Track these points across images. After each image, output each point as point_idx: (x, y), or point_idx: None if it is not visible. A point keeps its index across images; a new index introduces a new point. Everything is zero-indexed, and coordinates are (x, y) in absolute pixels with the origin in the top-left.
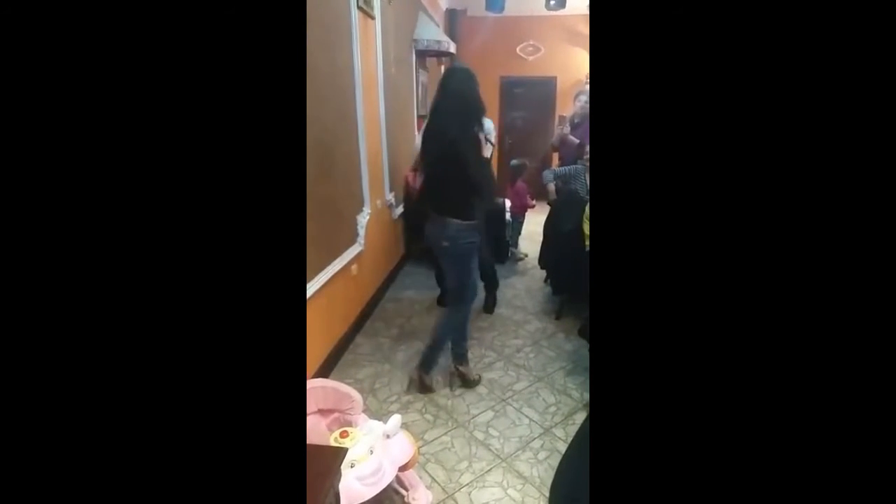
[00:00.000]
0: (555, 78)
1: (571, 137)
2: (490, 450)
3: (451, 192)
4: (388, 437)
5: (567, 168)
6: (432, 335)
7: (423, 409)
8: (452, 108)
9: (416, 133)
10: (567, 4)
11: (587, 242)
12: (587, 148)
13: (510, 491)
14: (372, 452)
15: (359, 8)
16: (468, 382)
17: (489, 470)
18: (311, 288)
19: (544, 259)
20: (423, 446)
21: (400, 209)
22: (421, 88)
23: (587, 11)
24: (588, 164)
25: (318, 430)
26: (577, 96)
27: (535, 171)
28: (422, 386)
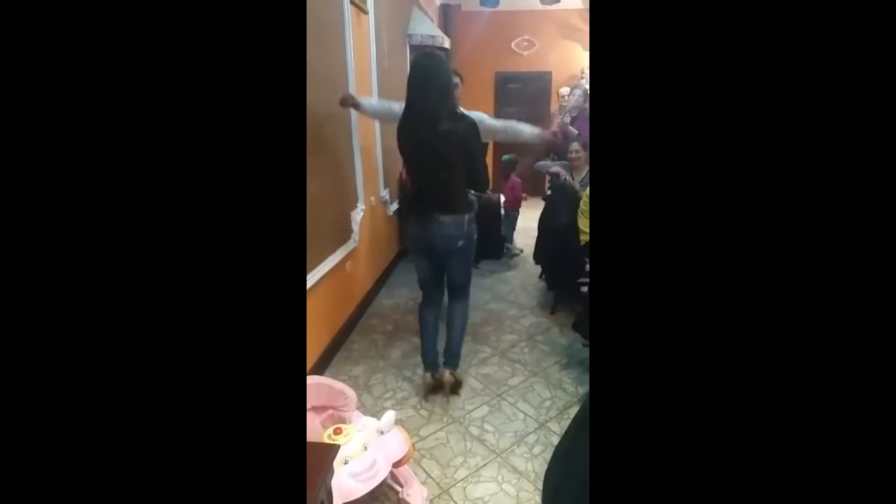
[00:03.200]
0: (550, 73)
1: (571, 129)
2: (485, 445)
3: (459, 186)
4: (381, 433)
5: (553, 164)
6: (455, 331)
7: (418, 406)
8: (438, 96)
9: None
10: None
11: (581, 237)
12: (572, 146)
13: (505, 486)
14: (366, 449)
15: (352, 3)
16: (457, 386)
17: (484, 465)
18: (306, 284)
19: (539, 254)
20: (417, 442)
21: (395, 206)
22: None
23: (582, 6)
24: (570, 163)
25: (312, 427)
26: (571, 90)
27: (527, 165)
28: (435, 385)
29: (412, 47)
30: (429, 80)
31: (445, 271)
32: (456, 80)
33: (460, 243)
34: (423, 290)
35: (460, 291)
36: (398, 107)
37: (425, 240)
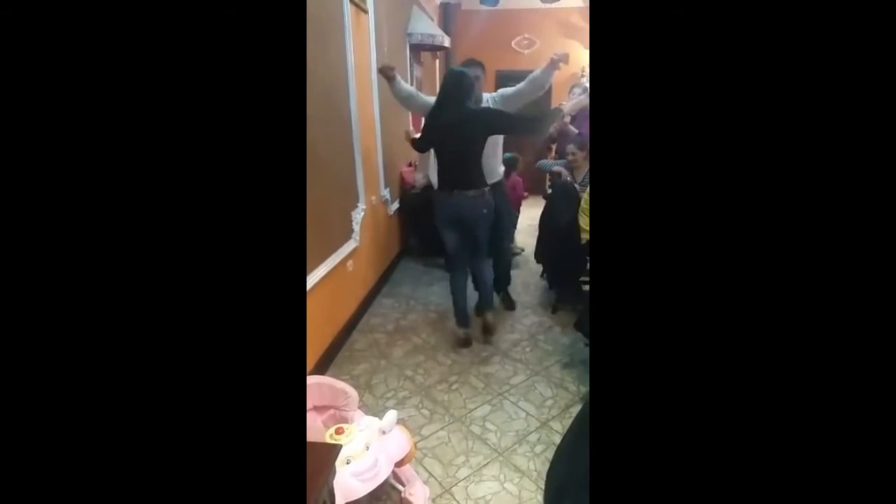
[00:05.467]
0: None
1: (571, 127)
2: (487, 444)
3: (478, 166)
4: (383, 432)
5: (554, 163)
6: (486, 286)
7: (420, 405)
8: (466, 98)
9: (411, 128)
10: None
11: (583, 236)
12: (568, 148)
13: (507, 485)
14: (368, 448)
15: (351, 2)
16: (494, 327)
17: (486, 464)
18: (307, 284)
19: (540, 253)
20: (419, 441)
21: (395, 205)
22: (415, 82)
23: (582, 4)
24: (570, 162)
25: (313, 427)
26: (571, 89)
27: (529, 164)
28: (465, 340)
29: (412, 46)
30: (458, 87)
31: (470, 238)
32: (478, 72)
33: (484, 211)
34: (452, 257)
35: (484, 255)
36: (424, 98)
37: (455, 211)
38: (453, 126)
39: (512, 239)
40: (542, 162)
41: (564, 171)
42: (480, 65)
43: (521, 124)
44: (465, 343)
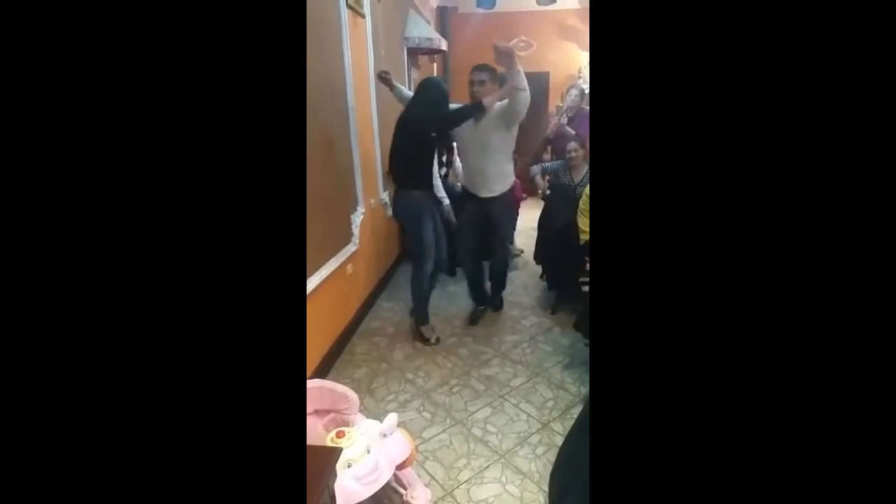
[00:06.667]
0: (547, 73)
1: (568, 129)
2: (488, 446)
3: (415, 169)
4: (384, 435)
5: (553, 164)
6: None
7: (421, 408)
8: (425, 108)
9: None
10: None
11: (581, 236)
12: (569, 146)
13: (509, 487)
14: (369, 452)
15: (348, 6)
16: (425, 341)
17: (488, 466)
18: (307, 288)
19: (539, 254)
20: (420, 444)
21: None
22: (413, 86)
23: (578, 6)
24: (568, 161)
25: (314, 431)
26: (568, 90)
27: (526, 165)
28: (420, 336)
29: (409, 50)
30: (420, 95)
31: (412, 236)
32: (483, 77)
33: (414, 212)
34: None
35: (413, 258)
36: None
37: (402, 209)
38: (399, 128)
39: (511, 240)
40: (532, 166)
41: (538, 178)
42: (488, 69)
43: (432, 123)
44: (414, 334)
